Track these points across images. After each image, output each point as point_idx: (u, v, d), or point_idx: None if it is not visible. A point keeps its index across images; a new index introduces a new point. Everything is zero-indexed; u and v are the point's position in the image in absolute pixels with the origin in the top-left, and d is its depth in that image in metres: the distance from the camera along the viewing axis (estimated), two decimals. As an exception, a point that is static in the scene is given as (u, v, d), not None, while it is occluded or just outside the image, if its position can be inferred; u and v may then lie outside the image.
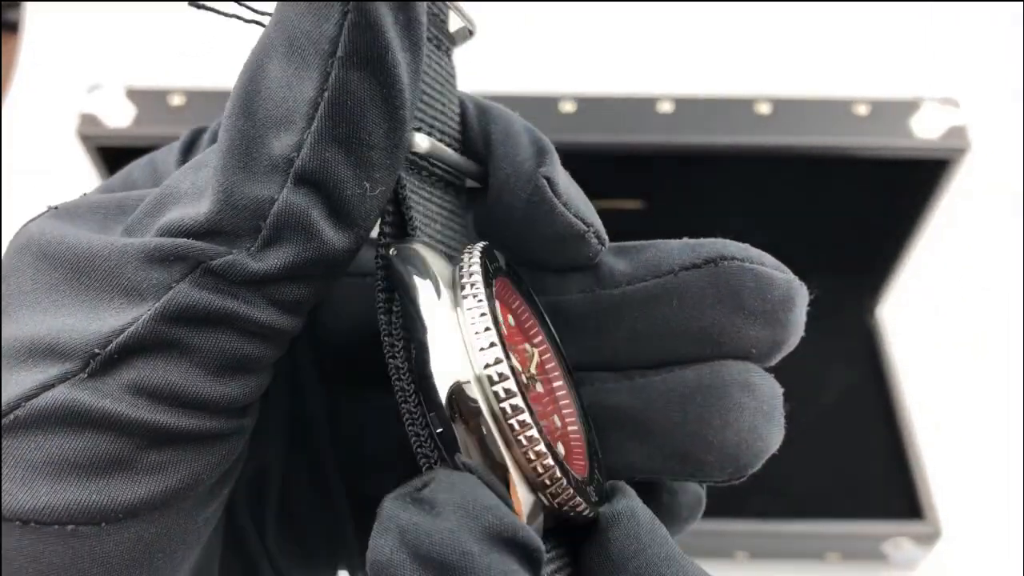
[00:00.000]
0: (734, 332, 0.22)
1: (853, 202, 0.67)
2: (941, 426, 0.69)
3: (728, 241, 0.23)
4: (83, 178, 0.63)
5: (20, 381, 0.18)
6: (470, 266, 0.21)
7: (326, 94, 0.18)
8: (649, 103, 0.59)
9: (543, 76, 0.84)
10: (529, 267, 0.24)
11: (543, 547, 0.18)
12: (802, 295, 0.24)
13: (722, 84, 0.83)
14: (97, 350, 0.18)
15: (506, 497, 0.19)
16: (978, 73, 0.85)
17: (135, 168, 0.25)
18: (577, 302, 0.24)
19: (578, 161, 0.64)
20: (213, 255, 0.19)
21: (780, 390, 0.23)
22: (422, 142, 0.22)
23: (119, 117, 0.57)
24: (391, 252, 0.21)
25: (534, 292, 0.24)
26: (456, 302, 0.20)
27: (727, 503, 0.64)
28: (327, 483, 0.28)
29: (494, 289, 0.21)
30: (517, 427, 0.19)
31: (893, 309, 0.73)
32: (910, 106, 0.59)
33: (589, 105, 0.59)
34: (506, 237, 0.24)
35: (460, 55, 0.26)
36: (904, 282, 0.70)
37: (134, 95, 0.58)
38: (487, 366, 0.19)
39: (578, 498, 0.20)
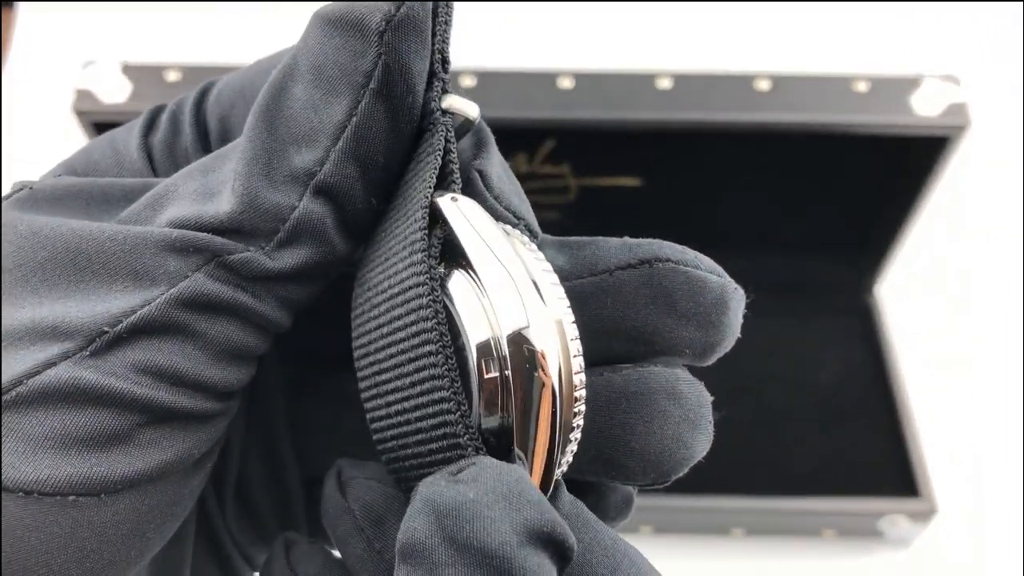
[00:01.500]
0: (666, 333, 0.22)
1: (852, 179, 0.67)
2: (937, 404, 0.69)
3: (665, 243, 0.23)
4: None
5: (21, 359, 0.19)
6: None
7: (354, 119, 0.21)
8: (648, 79, 0.58)
9: (541, 52, 0.84)
10: None
11: (575, 544, 0.19)
12: (737, 298, 0.24)
13: (721, 60, 0.83)
14: (106, 328, 0.20)
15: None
16: (979, 50, 0.84)
17: (95, 149, 0.25)
18: None
19: (576, 137, 0.64)
20: (232, 250, 0.21)
21: (708, 398, 0.23)
22: (473, 108, 0.23)
23: (115, 93, 0.57)
24: (451, 198, 0.21)
25: None
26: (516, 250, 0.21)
27: (724, 480, 0.65)
28: (281, 459, 0.29)
29: None
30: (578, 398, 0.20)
31: (891, 287, 0.73)
32: (910, 83, 0.58)
33: (587, 81, 0.58)
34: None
35: (459, 31, 0.25)
36: (903, 260, 0.70)
37: (130, 71, 0.58)
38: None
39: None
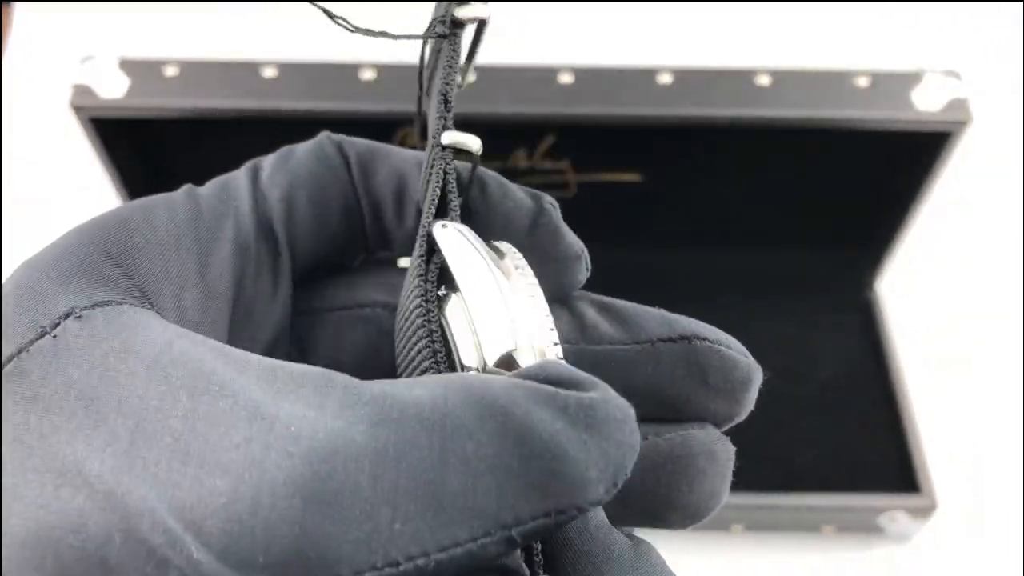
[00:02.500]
0: (697, 403, 0.25)
1: (853, 175, 0.67)
2: (938, 400, 0.69)
3: (698, 322, 0.26)
4: (77, 149, 0.63)
5: None
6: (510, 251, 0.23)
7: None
8: (648, 75, 0.58)
9: (541, 47, 0.83)
10: None
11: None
12: (757, 377, 0.27)
13: (722, 56, 0.83)
14: None
15: None
16: (980, 45, 0.84)
17: (134, 218, 0.23)
18: (565, 350, 0.25)
19: (576, 133, 0.64)
20: None
21: (733, 451, 0.27)
22: (475, 142, 0.25)
23: (113, 88, 0.57)
24: (438, 225, 0.23)
25: None
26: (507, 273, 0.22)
27: (724, 476, 0.65)
28: None
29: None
30: None
31: (892, 283, 0.73)
32: (911, 78, 0.58)
33: (587, 76, 0.58)
34: None
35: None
36: (904, 256, 0.70)
37: (128, 66, 0.58)
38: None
39: None
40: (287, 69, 0.58)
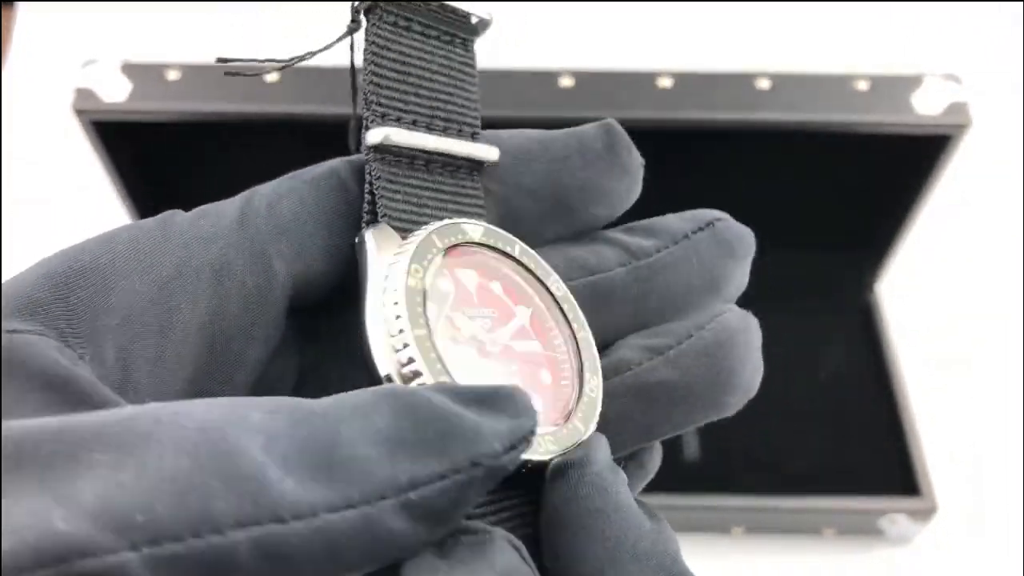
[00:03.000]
0: (730, 277, 0.28)
1: (853, 178, 0.67)
2: (938, 403, 0.69)
3: (705, 209, 0.29)
4: (78, 153, 0.63)
5: None
6: (405, 244, 0.23)
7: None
8: (648, 78, 0.58)
9: (541, 51, 0.83)
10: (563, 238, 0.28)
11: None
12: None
13: (722, 59, 0.83)
14: None
15: None
16: (980, 49, 0.84)
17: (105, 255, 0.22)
18: (619, 275, 0.27)
19: (577, 137, 0.63)
20: None
21: (756, 320, 0.28)
22: (374, 136, 0.24)
23: (115, 92, 0.57)
24: (355, 240, 0.24)
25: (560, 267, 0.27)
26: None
27: (724, 479, 0.65)
28: None
29: (432, 263, 0.23)
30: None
31: (892, 285, 0.73)
32: (911, 82, 0.58)
33: (588, 80, 0.58)
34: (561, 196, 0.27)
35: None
36: (903, 258, 0.70)
37: (130, 70, 0.58)
38: (391, 336, 0.22)
39: None
40: (288, 73, 0.58)
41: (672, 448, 0.65)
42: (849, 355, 0.71)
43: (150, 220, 0.23)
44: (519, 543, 0.20)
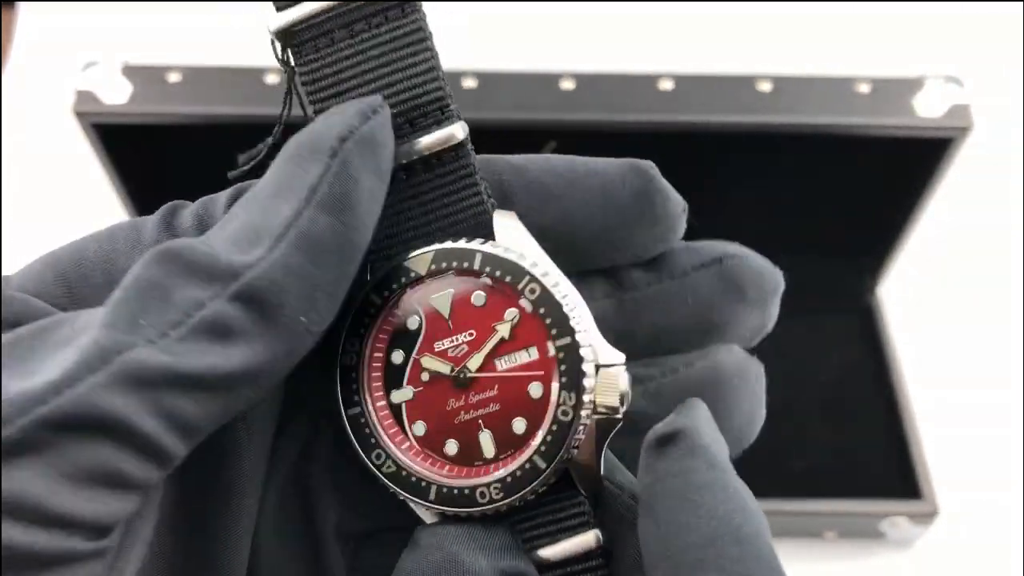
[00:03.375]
0: (736, 321, 0.26)
1: (854, 181, 0.67)
2: (939, 406, 0.69)
3: (721, 242, 0.27)
4: (79, 155, 0.63)
5: None
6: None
7: (292, 228, 0.20)
8: (649, 80, 0.58)
9: (543, 53, 0.83)
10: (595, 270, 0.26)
11: None
12: (781, 283, 0.27)
13: (723, 62, 0.83)
14: None
15: None
16: (981, 52, 0.84)
17: (89, 248, 0.24)
18: (603, 306, 0.26)
19: (577, 139, 0.64)
20: (120, 346, 0.18)
21: (761, 367, 0.27)
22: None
23: (116, 94, 0.57)
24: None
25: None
26: None
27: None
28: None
29: (372, 326, 0.25)
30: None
31: (893, 288, 0.73)
32: (913, 84, 0.58)
33: (589, 82, 0.58)
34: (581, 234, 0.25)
35: (460, 33, 0.26)
36: (904, 261, 0.70)
37: (131, 72, 0.58)
38: None
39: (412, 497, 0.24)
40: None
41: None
42: (850, 358, 0.71)
43: (152, 216, 0.24)
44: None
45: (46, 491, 0.17)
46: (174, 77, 0.58)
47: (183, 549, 0.23)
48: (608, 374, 0.23)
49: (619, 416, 0.23)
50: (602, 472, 0.24)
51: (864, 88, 0.58)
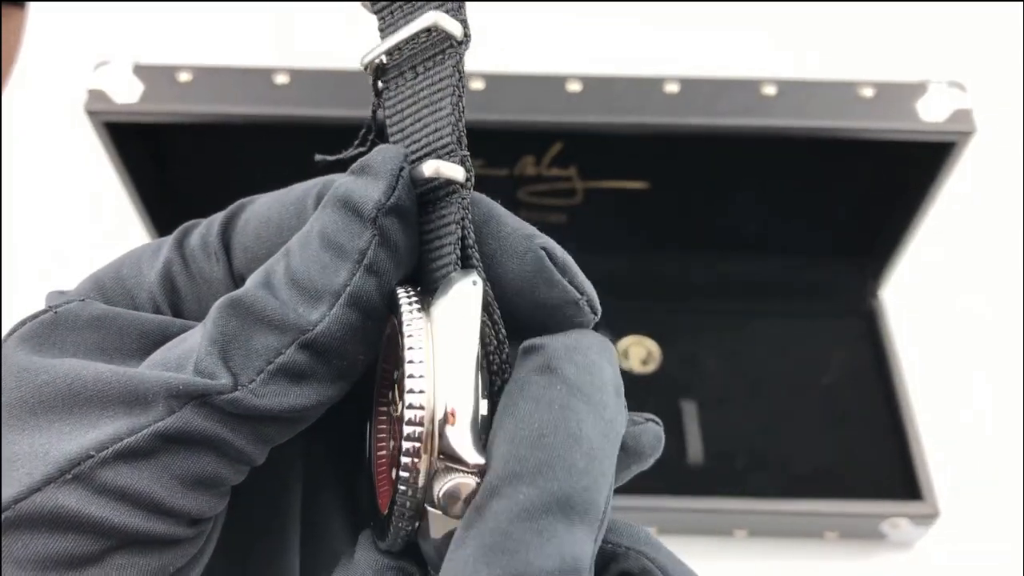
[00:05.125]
0: None
1: (858, 184, 0.67)
2: (940, 407, 0.69)
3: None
4: (91, 154, 0.64)
5: (15, 483, 0.21)
6: None
7: (348, 289, 0.24)
8: (655, 83, 0.59)
9: (550, 55, 0.84)
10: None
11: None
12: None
13: (728, 65, 0.83)
14: (92, 452, 0.21)
15: None
16: (985, 57, 0.85)
17: (124, 264, 0.27)
18: None
19: (584, 141, 0.64)
20: (219, 390, 0.22)
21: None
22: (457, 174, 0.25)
23: (127, 93, 0.58)
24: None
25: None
26: None
27: (726, 481, 0.65)
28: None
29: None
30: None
31: (896, 291, 0.73)
32: (916, 89, 0.59)
33: (595, 85, 0.59)
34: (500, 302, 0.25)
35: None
36: (907, 264, 0.70)
37: (142, 71, 0.58)
38: None
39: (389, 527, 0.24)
40: (299, 76, 0.59)
41: (675, 450, 0.66)
42: (852, 360, 0.71)
43: (170, 237, 0.28)
44: None
45: (161, 489, 0.22)
46: (185, 77, 0.58)
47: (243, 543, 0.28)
48: (443, 477, 0.22)
49: (452, 518, 0.22)
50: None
51: (868, 92, 0.59)
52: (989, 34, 0.87)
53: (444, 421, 0.22)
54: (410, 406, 0.22)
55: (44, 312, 0.25)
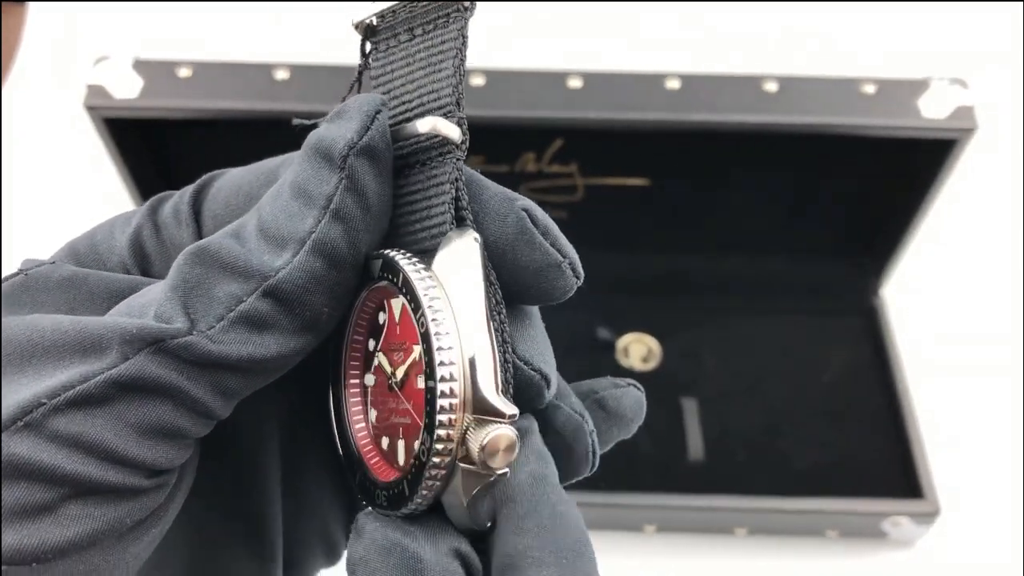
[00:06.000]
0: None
1: (859, 181, 0.67)
2: (941, 405, 0.69)
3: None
4: (90, 149, 0.64)
5: None
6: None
7: (313, 235, 0.23)
8: (656, 80, 0.59)
9: (550, 51, 0.84)
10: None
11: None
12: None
13: (729, 62, 0.83)
14: (44, 400, 0.21)
15: None
16: (987, 53, 0.85)
17: (99, 231, 0.28)
18: None
19: (584, 137, 0.64)
20: (174, 334, 0.22)
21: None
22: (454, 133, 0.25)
23: (127, 88, 0.57)
24: None
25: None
26: None
27: (727, 479, 0.65)
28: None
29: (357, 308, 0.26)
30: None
31: (897, 289, 0.73)
32: (918, 86, 0.59)
33: (596, 81, 0.59)
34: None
35: (468, 31, 0.26)
36: (908, 262, 0.70)
37: (142, 67, 0.58)
38: None
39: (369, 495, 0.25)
40: (299, 71, 0.59)
41: (676, 448, 0.66)
42: (853, 358, 0.71)
43: (143, 206, 0.28)
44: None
45: (115, 438, 0.21)
46: (184, 72, 0.58)
47: (218, 495, 0.28)
48: (482, 429, 0.22)
49: (486, 472, 0.22)
50: (473, 521, 0.23)
51: (869, 89, 0.59)
52: (992, 31, 0.87)
53: (474, 376, 0.22)
54: (442, 363, 0.22)
55: (15, 275, 0.25)
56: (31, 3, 0.89)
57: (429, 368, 0.22)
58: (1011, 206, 0.79)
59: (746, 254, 0.72)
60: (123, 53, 0.59)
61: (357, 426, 0.26)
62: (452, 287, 0.23)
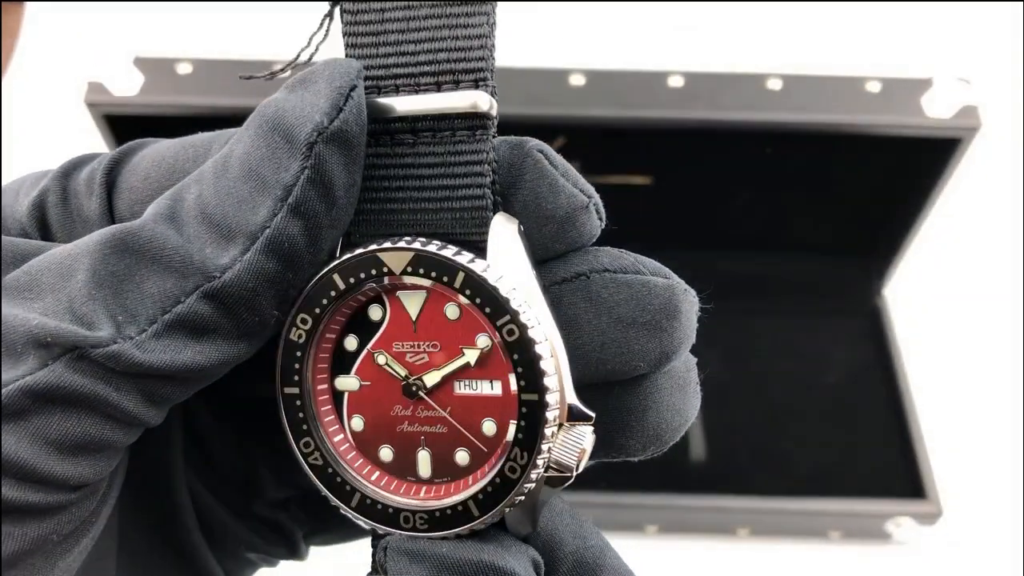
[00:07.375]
0: (614, 346, 0.22)
1: (862, 180, 0.67)
2: (944, 407, 0.69)
3: (602, 250, 0.23)
4: (90, 146, 0.63)
5: None
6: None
7: (267, 231, 0.19)
8: (660, 78, 0.58)
9: (553, 49, 0.83)
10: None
11: None
12: (688, 301, 0.23)
13: (733, 60, 0.83)
14: None
15: None
16: (991, 53, 0.84)
17: (9, 191, 0.25)
18: None
19: (587, 135, 0.64)
20: (96, 343, 0.19)
21: (693, 360, 0.23)
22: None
23: (126, 85, 0.57)
24: None
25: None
26: None
27: (729, 480, 0.65)
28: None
29: (329, 309, 0.22)
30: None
31: (900, 289, 0.73)
32: (922, 84, 0.58)
33: (599, 79, 0.58)
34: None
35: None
36: (911, 262, 0.70)
37: (141, 63, 0.58)
38: None
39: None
40: (299, 68, 0.58)
41: (678, 448, 0.65)
42: (856, 358, 0.71)
43: (57, 168, 0.25)
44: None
45: (33, 456, 0.19)
46: (184, 69, 0.58)
47: (140, 500, 0.25)
48: (572, 434, 0.21)
49: (568, 475, 0.21)
50: (534, 526, 0.22)
51: (873, 87, 0.58)
52: (997, 30, 0.86)
53: (564, 384, 0.21)
54: (545, 374, 0.20)
55: None
56: (31, 3, 0.88)
57: (527, 380, 0.21)
58: (1015, 206, 0.79)
59: (748, 253, 0.71)
60: (123, 50, 0.59)
61: (335, 439, 0.23)
62: (519, 287, 0.21)
